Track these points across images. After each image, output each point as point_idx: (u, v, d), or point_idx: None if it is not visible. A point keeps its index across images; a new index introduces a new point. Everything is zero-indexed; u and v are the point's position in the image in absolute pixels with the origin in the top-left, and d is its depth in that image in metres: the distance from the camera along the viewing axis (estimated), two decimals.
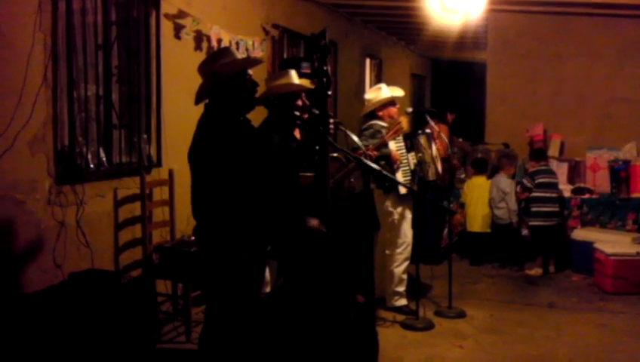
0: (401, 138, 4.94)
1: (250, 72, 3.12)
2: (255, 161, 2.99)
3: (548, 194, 6.48)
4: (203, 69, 3.13)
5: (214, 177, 2.96)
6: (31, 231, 3.72)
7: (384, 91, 5.19)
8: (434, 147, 5.15)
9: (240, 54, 3.20)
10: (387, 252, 5.17)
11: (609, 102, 7.65)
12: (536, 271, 6.48)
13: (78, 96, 4.10)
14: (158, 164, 4.86)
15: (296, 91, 3.98)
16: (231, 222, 2.97)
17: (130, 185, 4.55)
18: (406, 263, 5.18)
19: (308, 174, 3.43)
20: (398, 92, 5.22)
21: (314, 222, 3.09)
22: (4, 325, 3.29)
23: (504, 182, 6.74)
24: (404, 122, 4.79)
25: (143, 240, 4.53)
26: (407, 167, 4.97)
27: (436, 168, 5.08)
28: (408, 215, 5.15)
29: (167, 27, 4.93)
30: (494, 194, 6.74)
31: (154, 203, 4.71)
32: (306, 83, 4.06)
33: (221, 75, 3.02)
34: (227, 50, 3.25)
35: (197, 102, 3.15)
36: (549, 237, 6.49)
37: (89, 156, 4.15)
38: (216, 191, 2.97)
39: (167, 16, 4.90)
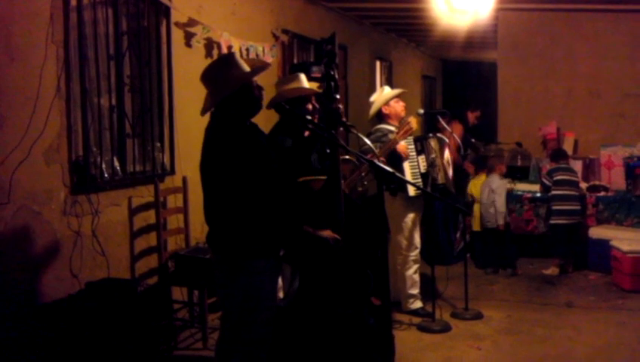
0: (411, 140, 4.93)
1: (255, 77, 3.11)
2: (265, 165, 2.99)
3: (568, 192, 6.41)
4: (208, 79, 3.08)
5: (226, 183, 2.97)
6: (47, 242, 3.75)
7: (387, 89, 5.27)
8: (446, 151, 5.12)
9: (243, 60, 3.16)
10: (396, 255, 5.14)
11: (622, 99, 7.59)
12: (552, 271, 6.42)
13: (91, 106, 4.14)
14: (172, 171, 4.89)
15: (307, 95, 3.99)
16: (244, 227, 2.98)
17: (144, 194, 4.58)
18: (416, 265, 5.14)
19: (320, 178, 3.43)
20: (401, 90, 5.27)
21: (325, 233, 3.10)
22: (24, 335, 3.32)
23: (495, 181, 6.54)
24: (414, 123, 4.77)
25: (158, 247, 4.55)
26: (416, 170, 4.95)
27: (446, 173, 5.05)
28: (416, 217, 5.13)
29: (177, 35, 4.96)
30: (485, 197, 6.52)
31: (168, 210, 4.74)
32: (315, 87, 4.08)
33: (231, 88, 3.00)
34: (231, 58, 3.19)
35: (203, 113, 3.12)
36: (569, 235, 6.42)
37: (103, 166, 4.18)
38: (229, 196, 2.97)
39: (177, 24, 4.94)
